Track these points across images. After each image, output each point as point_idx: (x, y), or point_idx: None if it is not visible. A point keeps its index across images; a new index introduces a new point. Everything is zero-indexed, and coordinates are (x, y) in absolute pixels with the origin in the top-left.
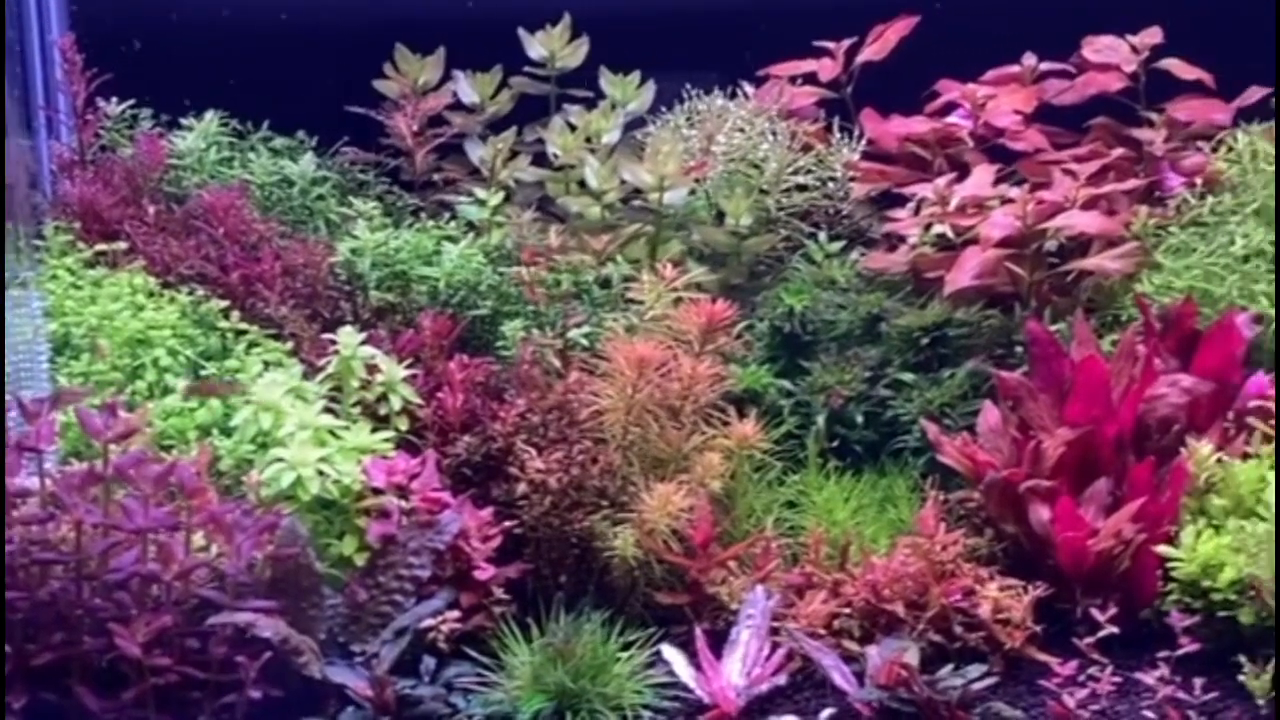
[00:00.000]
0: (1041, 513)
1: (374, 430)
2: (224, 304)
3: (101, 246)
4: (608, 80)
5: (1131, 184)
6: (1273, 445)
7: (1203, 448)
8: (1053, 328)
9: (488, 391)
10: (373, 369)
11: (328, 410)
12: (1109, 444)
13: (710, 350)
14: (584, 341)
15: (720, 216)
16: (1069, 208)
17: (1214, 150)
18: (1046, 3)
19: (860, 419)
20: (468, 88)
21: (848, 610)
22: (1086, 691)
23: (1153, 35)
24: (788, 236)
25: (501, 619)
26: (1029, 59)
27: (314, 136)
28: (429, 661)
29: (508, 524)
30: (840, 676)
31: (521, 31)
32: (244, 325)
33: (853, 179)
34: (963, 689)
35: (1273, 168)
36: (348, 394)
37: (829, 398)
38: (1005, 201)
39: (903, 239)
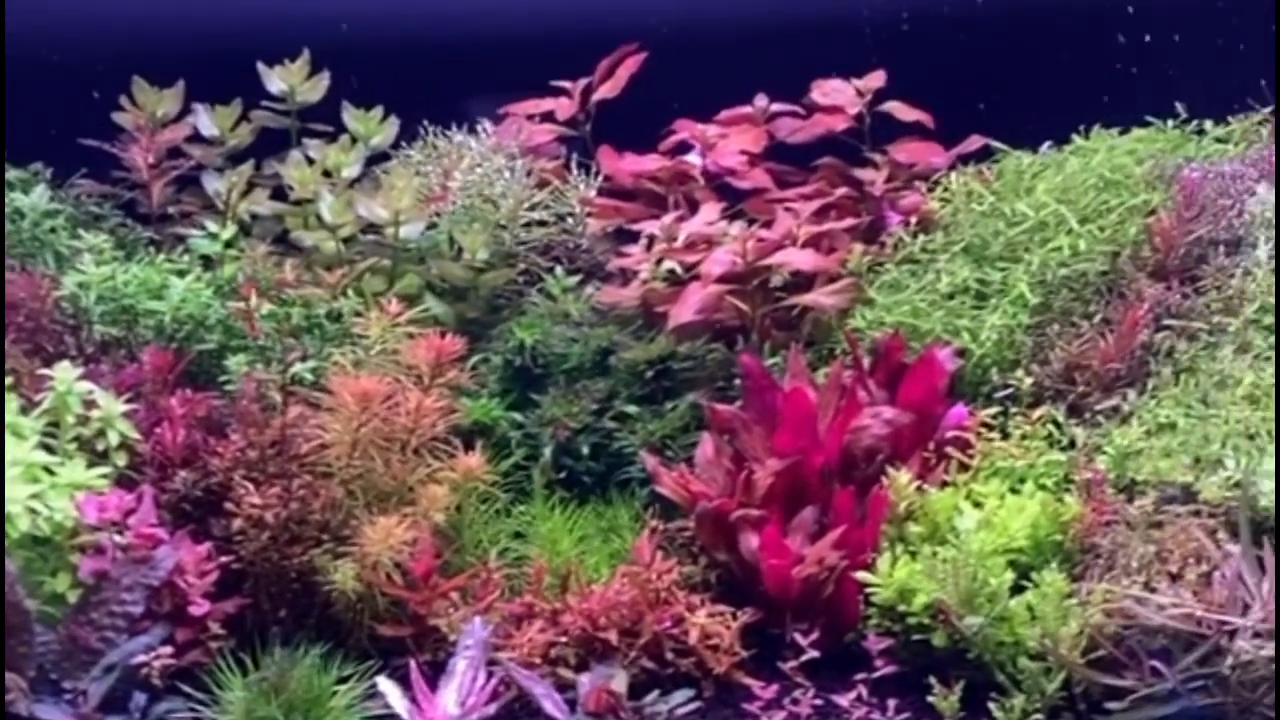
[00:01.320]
0: (751, 541)
1: (91, 466)
2: None
3: None
4: (350, 115)
5: (850, 222)
6: (969, 474)
7: (901, 477)
8: (773, 360)
9: (210, 427)
10: (91, 404)
11: (44, 446)
12: (816, 474)
13: (440, 384)
14: (309, 376)
15: (458, 251)
16: (789, 245)
17: (930, 191)
18: (787, 46)
19: (587, 450)
20: (207, 120)
21: (565, 639)
22: (785, 714)
23: (877, 79)
24: (526, 271)
25: (218, 654)
26: (760, 100)
27: (50, 168)
28: (139, 698)
29: (226, 559)
30: (551, 705)
31: (260, 65)
32: None
33: (589, 214)
34: (667, 714)
35: (982, 208)
36: (65, 429)
37: (556, 430)
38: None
39: (636, 274)
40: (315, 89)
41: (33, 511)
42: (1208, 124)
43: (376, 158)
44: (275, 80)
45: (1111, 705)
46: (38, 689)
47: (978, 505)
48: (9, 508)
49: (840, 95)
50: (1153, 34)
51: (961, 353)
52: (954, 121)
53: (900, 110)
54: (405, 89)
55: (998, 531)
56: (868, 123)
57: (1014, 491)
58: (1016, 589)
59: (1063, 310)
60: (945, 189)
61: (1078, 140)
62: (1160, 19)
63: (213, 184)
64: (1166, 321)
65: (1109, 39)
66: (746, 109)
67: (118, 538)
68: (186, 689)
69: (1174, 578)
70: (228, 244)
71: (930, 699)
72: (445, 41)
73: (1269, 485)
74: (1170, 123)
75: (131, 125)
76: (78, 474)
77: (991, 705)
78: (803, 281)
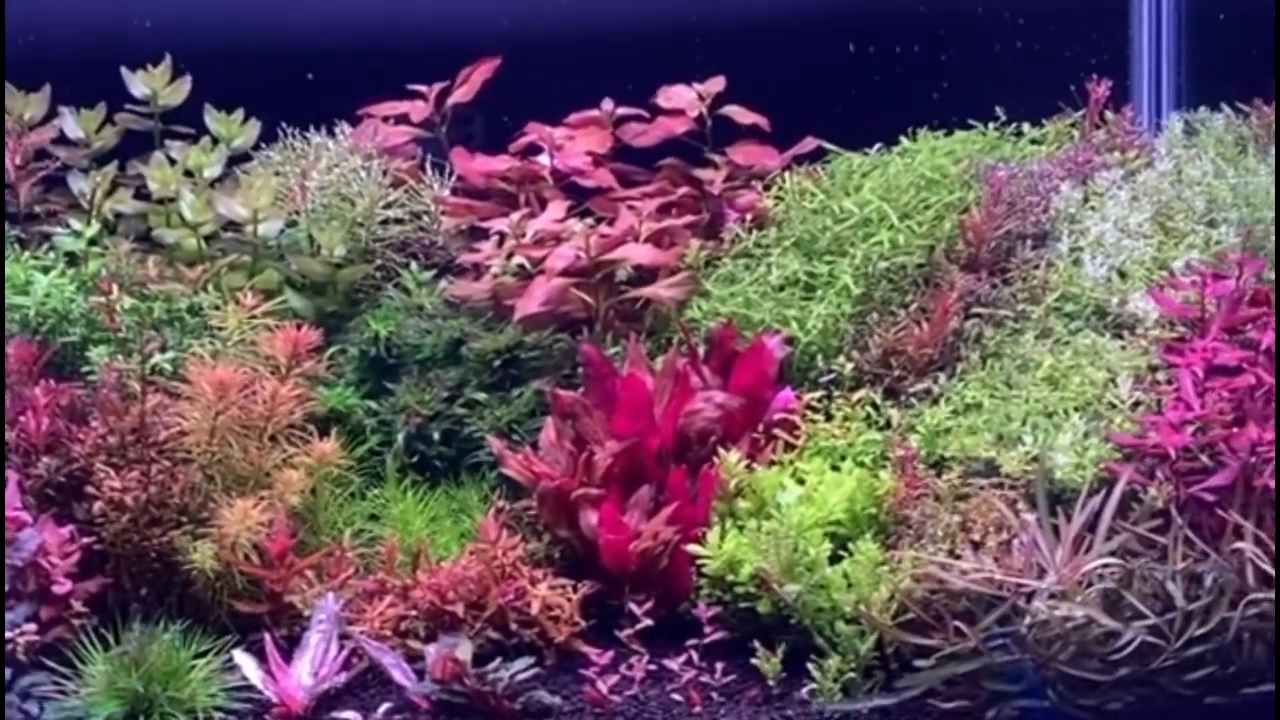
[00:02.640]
0: (591, 518)
1: None
2: None
3: None
4: (212, 117)
5: (690, 219)
6: (794, 453)
7: (731, 456)
8: (615, 350)
9: (73, 415)
10: None
11: None
12: (652, 455)
13: (297, 374)
14: (168, 367)
15: (316, 248)
16: (631, 241)
17: (766, 190)
18: (633, 52)
19: (438, 436)
20: (73, 123)
21: (414, 613)
22: (618, 677)
23: (716, 84)
24: (382, 266)
25: (81, 631)
26: (607, 104)
27: None
28: (6, 672)
29: (88, 541)
30: (400, 674)
31: (124, 70)
32: None
33: (443, 212)
34: (509, 680)
35: (812, 206)
36: None
37: (409, 417)
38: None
39: (487, 269)
40: (177, 93)
41: None
42: (1025, 126)
43: (238, 158)
44: (139, 84)
45: (920, 663)
46: None
47: (801, 482)
48: None
49: (682, 99)
50: (981, 42)
51: (790, 341)
52: (794, 124)
53: (739, 114)
54: (265, 92)
55: (817, 505)
56: (708, 126)
57: (835, 469)
58: (834, 558)
59: (882, 300)
60: (780, 188)
61: (905, 142)
62: (988, 28)
63: (78, 184)
64: (976, 310)
65: (941, 46)
66: (594, 112)
67: None
68: (51, 664)
69: (977, 545)
70: (91, 241)
71: (755, 661)
72: (304, 46)
73: (1063, 459)
74: (990, 125)
75: None
76: None
77: (810, 666)
78: (644, 275)
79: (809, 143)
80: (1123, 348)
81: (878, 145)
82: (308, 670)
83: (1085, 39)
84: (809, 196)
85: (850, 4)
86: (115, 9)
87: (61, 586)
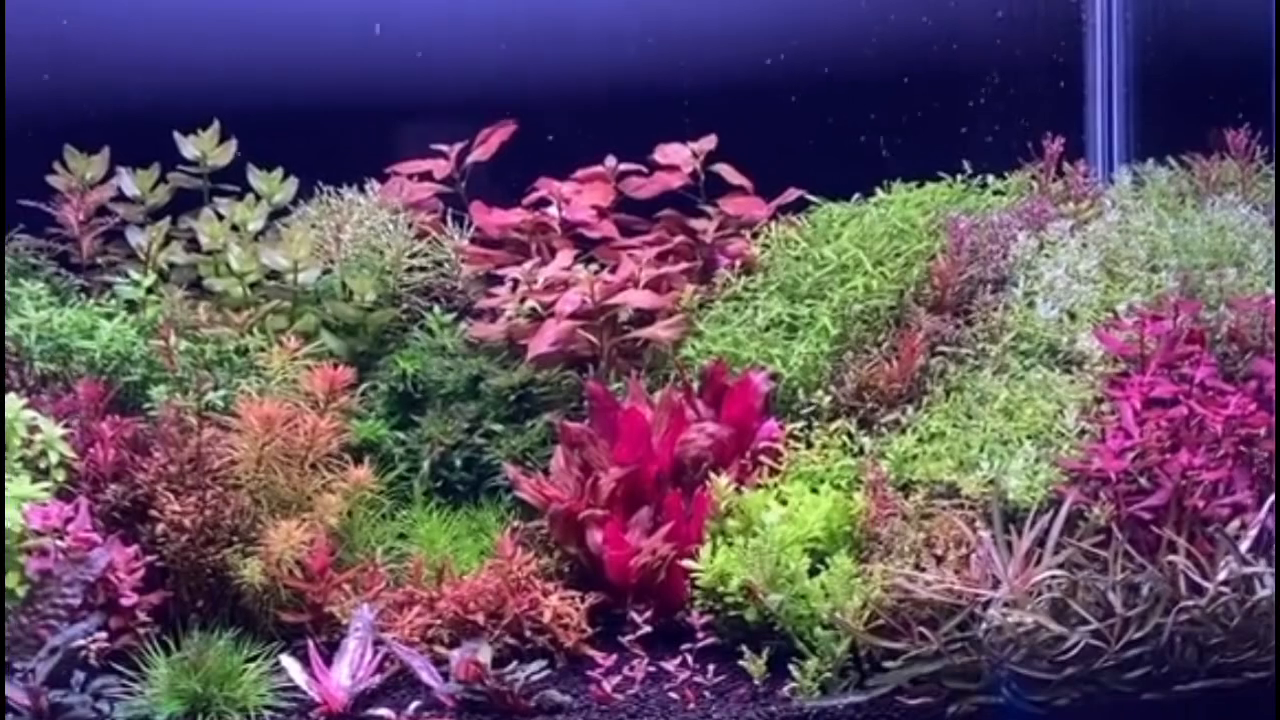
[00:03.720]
0: (596, 536)
1: (35, 481)
2: None
3: None
4: (255, 175)
5: (685, 266)
6: (778, 477)
7: (721, 481)
8: (618, 385)
9: (136, 447)
10: (34, 429)
11: None
12: (651, 479)
13: (333, 408)
14: (220, 403)
15: (349, 293)
16: (632, 286)
17: (754, 238)
18: (634, 114)
19: (459, 463)
20: (130, 182)
21: (439, 621)
22: (621, 678)
23: (709, 142)
24: (409, 310)
25: (145, 639)
26: (610, 160)
27: None
28: (79, 675)
29: (151, 559)
30: (428, 675)
31: (176, 134)
32: None
33: (463, 261)
34: (525, 680)
35: (795, 253)
36: (12, 451)
37: (433, 446)
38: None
39: (502, 312)
40: (224, 154)
41: None
42: (990, 178)
43: (278, 213)
44: (189, 147)
45: (889, 664)
46: None
47: (784, 503)
48: None
49: (678, 156)
50: (952, 99)
51: (774, 376)
52: (781, 175)
53: (728, 172)
54: (302, 152)
55: (798, 524)
56: (702, 179)
57: (814, 491)
58: (813, 571)
59: (857, 340)
60: (766, 237)
61: (880, 193)
62: (958, 86)
63: (135, 238)
64: (940, 348)
65: (914, 104)
66: (598, 168)
67: (59, 542)
68: (119, 668)
69: (939, 559)
70: (149, 290)
71: (742, 663)
72: (336, 109)
73: (1016, 482)
74: (958, 177)
75: (64, 186)
76: (24, 488)
77: (792, 668)
78: (644, 317)
79: (792, 193)
80: (1071, 382)
81: (855, 196)
82: (346, 673)
83: (1045, 95)
84: (792, 244)
85: (830, 66)
86: (165, 76)
87: (128, 599)
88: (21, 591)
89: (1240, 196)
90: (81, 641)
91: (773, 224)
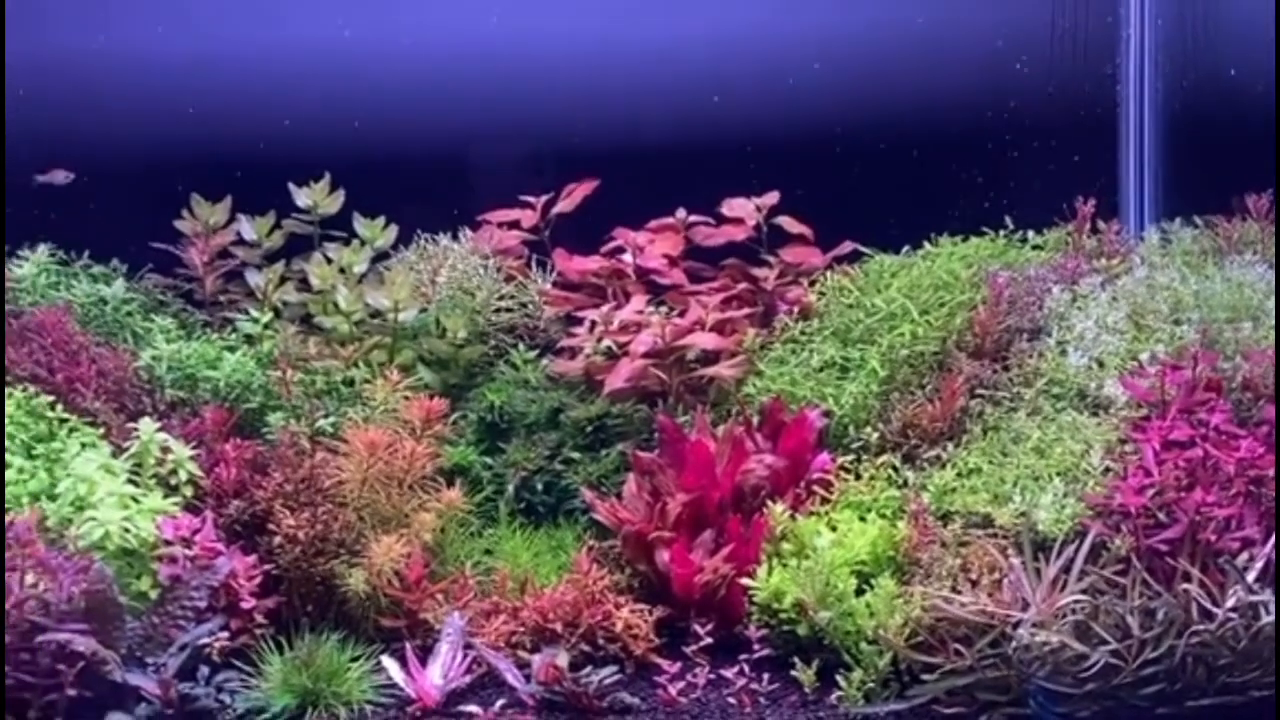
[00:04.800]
0: (663, 556)
1: (166, 496)
2: (51, 399)
3: None
4: (360, 223)
5: (747, 311)
6: (829, 506)
7: (778, 508)
8: (685, 418)
9: (255, 467)
10: (166, 449)
11: (131, 481)
12: (714, 505)
13: (429, 435)
14: (330, 429)
15: (443, 331)
16: (698, 330)
17: (810, 286)
18: (700, 173)
19: (541, 487)
20: (248, 228)
21: (522, 629)
22: (684, 684)
23: (771, 197)
24: (496, 346)
25: (261, 639)
26: (680, 212)
27: (125, 264)
28: (204, 670)
29: (267, 567)
30: (512, 677)
31: (291, 185)
32: (66, 415)
33: (546, 303)
34: (598, 683)
35: (848, 301)
36: (146, 469)
37: (517, 471)
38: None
39: (581, 350)
40: (334, 203)
41: (125, 530)
42: (1030, 233)
43: (380, 256)
44: (302, 196)
45: (926, 677)
46: (128, 663)
47: (834, 529)
48: (108, 527)
49: (743, 210)
50: (999, 159)
51: (827, 414)
52: (838, 227)
53: (789, 223)
54: (403, 201)
55: (846, 548)
56: (764, 231)
57: (861, 519)
58: (859, 591)
59: (903, 382)
60: (822, 285)
61: (928, 246)
62: (1006, 147)
63: (253, 278)
64: (979, 391)
65: (963, 162)
66: (670, 219)
67: (187, 551)
68: (238, 664)
69: (974, 583)
70: (265, 325)
71: (794, 673)
72: (434, 161)
73: (1045, 515)
74: (1001, 233)
75: (190, 231)
76: (156, 502)
77: (839, 678)
78: (709, 357)
79: (847, 246)
80: (1098, 424)
81: (905, 248)
82: (439, 673)
83: (1083, 159)
84: (846, 293)
85: (886, 128)
86: (280, 130)
87: (247, 603)
88: (154, 594)
89: (1258, 256)
90: (206, 640)
91: (828, 273)
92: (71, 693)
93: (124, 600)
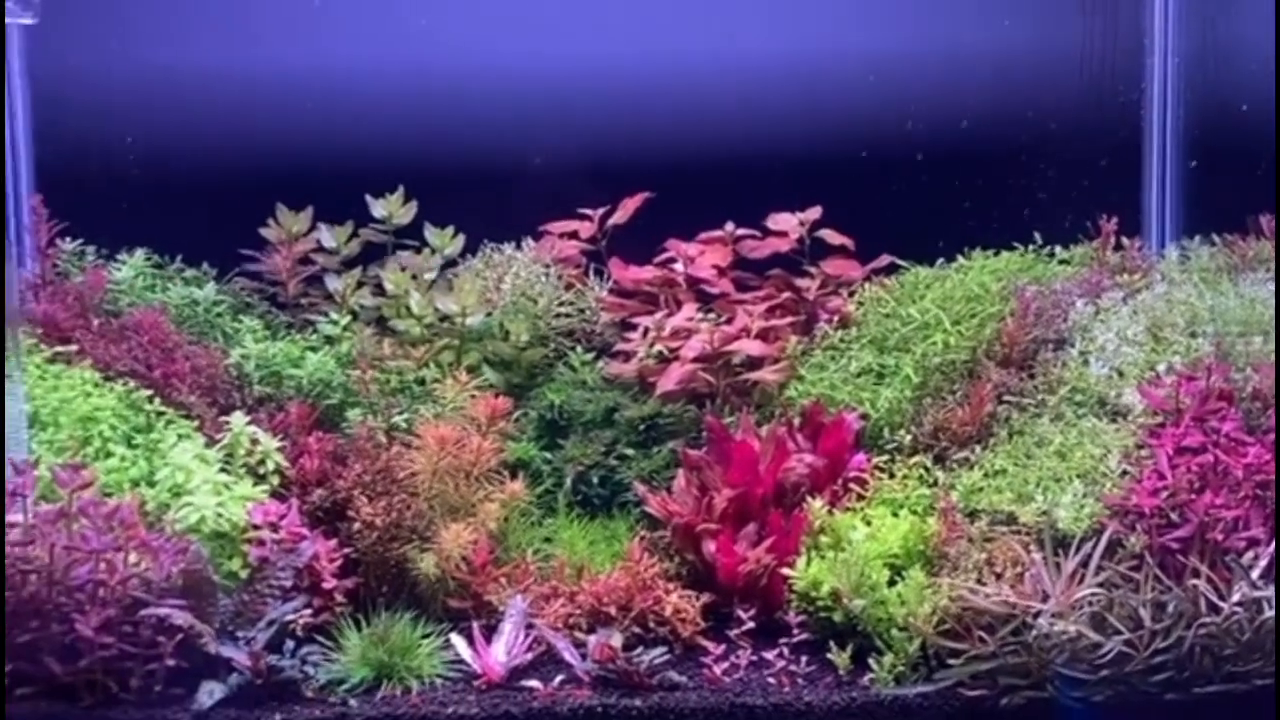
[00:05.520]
0: (710, 546)
1: (255, 484)
2: (148, 393)
3: (59, 349)
4: (430, 232)
5: (790, 319)
6: (864, 502)
7: (816, 504)
8: (730, 419)
9: (336, 458)
10: (255, 441)
11: (223, 470)
12: (757, 500)
13: (493, 431)
14: (403, 424)
15: (507, 334)
16: (744, 336)
17: (850, 296)
18: (746, 189)
19: (596, 480)
20: (328, 236)
21: (579, 611)
22: (728, 664)
23: (814, 212)
24: (556, 349)
25: (341, 616)
26: (729, 226)
27: (215, 268)
28: (290, 644)
29: (347, 551)
30: (569, 655)
31: (368, 197)
32: (163, 408)
33: (602, 309)
34: (649, 663)
35: (884, 311)
36: (236, 459)
37: (575, 465)
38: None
39: (635, 353)
40: (407, 213)
41: (218, 515)
42: (1058, 248)
43: (448, 264)
44: (378, 207)
45: (952, 661)
46: (221, 636)
47: (868, 524)
48: (203, 511)
49: (787, 224)
50: (1030, 179)
51: (864, 417)
52: (876, 239)
53: (830, 236)
54: (471, 211)
55: (880, 542)
56: (807, 244)
57: (894, 515)
58: (891, 582)
59: (935, 388)
60: (860, 295)
61: (961, 259)
62: (1036, 169)
63: (332, 283)
64: (1006, 398)
65: (994, 179)
66: (718, 232)
67: (274, 535)
68: (320, 639)
69: (998, 576)
70: (344, 328)
71: (830, 656)
72: (499, 175)
73: (1065, 514)
74: (1030, 247)
75: (274, 238)
76: (246, 490)
77: (871, 662)
78: (754, 362)
79: (885, 259)
80: (1116, 430)
81: (940, 261)
82: (503, 650)
83: (1109, 178)
84: (883, 303)
85: (924, 146)
86: (358, 149)
87: (328, 584)
88: (244, 574)
89: (1269, 274)
90: (291, 616)
91: (866, 284)
92: (170, 662)
93: (217, 579)
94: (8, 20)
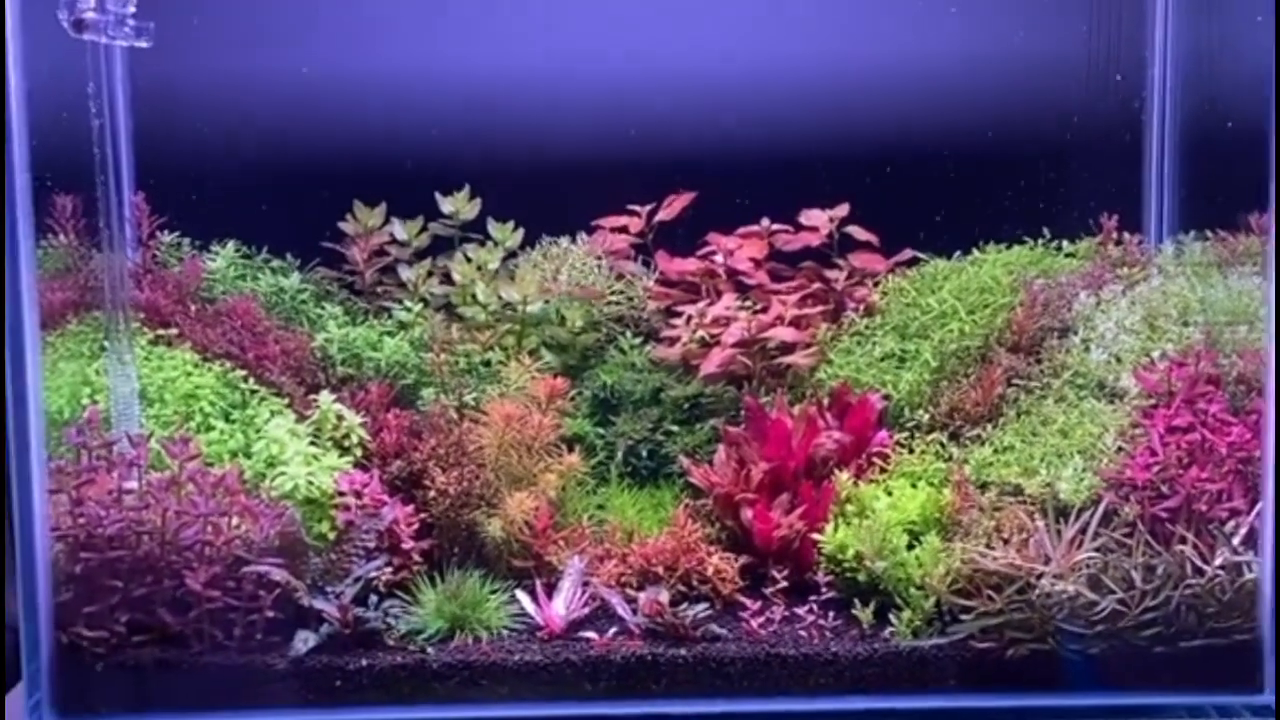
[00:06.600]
0: (747, 514)
1: (340, 456)
2: (243, 373)
3: (160, 332)
4: (493, 227)
5: (820, 308)
6: (886, 475)
7: (843, 476)
8: (766, 399)
9: (412, 433)
10: (340, 417)
11: (312, 443)
12: (790, 473)
13: (552, 408)
14: (472, 403)
15: (563, 320)
16: (779, 324)
17: (875, 287)
18: (782, 186)
19: (645, 454)
20: (400, 229)
21: (630, 571)
22: (764, 618)
23: (842, 209)
24: (608, 334)
25: (418, 574)
26: (764, 221)
27: (299, 259)
28: (373, 598)
29: (422, 516)
30: (622, 609)
31: (437, 194)
32: (257, 387)
33: (649, 297)
34: (693, 617)
35: (906, 301)
36: (324, 433)
37: (625, 440)
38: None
39: (679, 339)
40: (472, 209)
41: (309, 483)
42: (1065, 243)
43: (510, 255)
44: (446, 204)
45: (964, 617)
46: (313, 591)
47: (890, 494)
48: (296, 480)
49: (818, 219)
50: (1040, 178)
51: (886, 397)
52: (901, 234)
53: (857, 232)
54: (530, 207)
55: (900, 510)
56: (835, 238)
57: (913, 486)
58: (910, 546)
59: (951, 371)
60: (884, 286)
61: (976, 253)
62: (1047, 168)
63: (404, 273)
64: (1015, 381)
65: (1010, 180)
66: (755, 227)
67: (358, 501)
68: (399, 594)
69: (1005, 541)
70: (416, 314)
71: (855, 613)
72: (556, 173)
73: (1066, 486)
74: (1039, 241)
75: (352, 231)
76: (333, 461)
77: (891, 617)
78: (787, 347)
79: (907, 253)
80: (1113, 411)
81: (957, 254)
82: (563, 605)
83: (1113, 177)
84: (904, 293)
85: (942, 148)
86: (427, 148)
87: (406, 545)
88: (332, 535)
89: (1256, 268)
90: (374, 574)
91: (890, 276)
92: (269, 614)
93: (309, 540)
94: (124, 44)
